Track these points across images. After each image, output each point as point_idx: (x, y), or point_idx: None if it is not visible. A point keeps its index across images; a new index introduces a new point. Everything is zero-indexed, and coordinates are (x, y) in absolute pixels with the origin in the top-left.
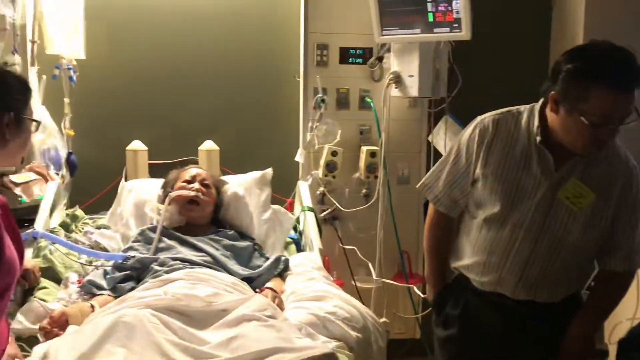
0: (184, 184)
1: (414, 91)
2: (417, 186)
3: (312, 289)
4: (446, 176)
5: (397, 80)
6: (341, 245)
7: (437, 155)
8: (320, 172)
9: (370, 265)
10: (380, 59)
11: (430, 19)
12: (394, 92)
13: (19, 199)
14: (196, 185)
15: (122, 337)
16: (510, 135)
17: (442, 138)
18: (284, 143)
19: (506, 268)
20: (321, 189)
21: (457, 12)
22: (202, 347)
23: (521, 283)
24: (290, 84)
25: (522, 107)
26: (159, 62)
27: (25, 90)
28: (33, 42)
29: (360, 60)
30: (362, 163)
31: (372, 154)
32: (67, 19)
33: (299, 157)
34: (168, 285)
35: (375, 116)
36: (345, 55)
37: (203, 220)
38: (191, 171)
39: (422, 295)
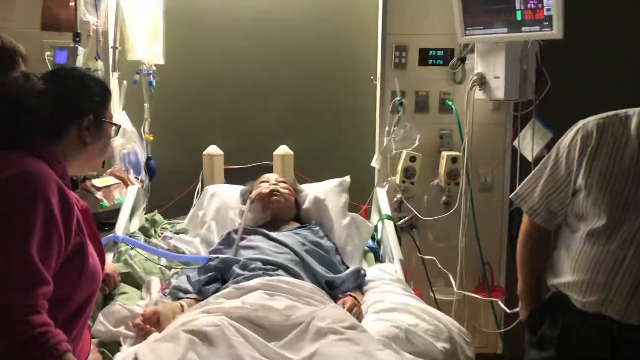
0: (261, 184)
1: (499, 93)
2: (511, 196)
3: (391, 301)
4: (543, 186)
5: (481, 82)
6: (419, 254)
7: (523, 161)
8: (397, 179)
9: (450, 276)
10: (462, 60)
11: (519, 17)
12: (477, 94)
13: (100, 203)
14: (272, 182)
15: (204, 350)
16: (618, 141)
17: (529, 143)
18: (360, 148)
19: (614, 288)
20: (398, 195)
21: (549, 10)
22: None
23: (632, 305)
24: (366, 87)
25: (630, 110)
26: (236, 67)
27: (105, 93)
28: (115, 48)
29: (440, 61)
30: (442, 169)
31: (453, 160)
32: (148, 26)
33: (375, 163)
34: (246, 296)
35: (457, 120)
36: (425, 57)
37: (288, 214)
38: (264, 176)
39: (506, 310)
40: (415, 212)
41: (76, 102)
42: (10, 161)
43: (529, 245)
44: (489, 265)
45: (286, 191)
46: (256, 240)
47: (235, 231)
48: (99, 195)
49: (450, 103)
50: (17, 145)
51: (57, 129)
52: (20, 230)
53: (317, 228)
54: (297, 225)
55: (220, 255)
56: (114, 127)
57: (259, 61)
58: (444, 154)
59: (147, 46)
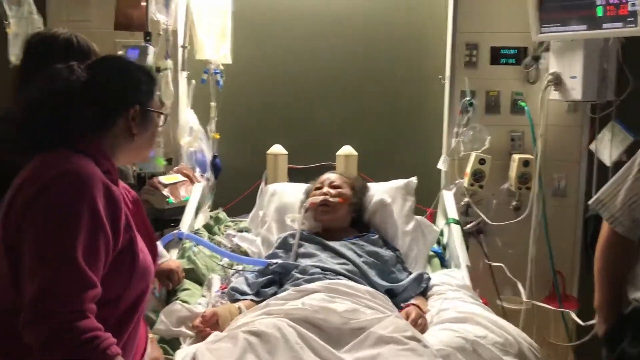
0: (315, 191)
1: (576, 94)
2: (590, 202)
3: (457, 310)
4: (626, 193)
5: (557, 82)
6: (487, 261)
7: (600, 166)
8: (465, 182)
9: (519, 284)
10: (536, 58)
11: (600, 13)
12: (552, 95)
13: (167, 199)
14: (324, 189)
15: (263, 352)
16: None
17: (607, 147)
18: (426, 149)
19: None
20: (466, 199)
21: (633, 5)
22: None
23: None
24: (435, 87)
25: None
26: (301, 66)
27: (151, 82)
28: (184, 47)
29: (513, 60)
30: (512, 172)
31: (525, 163)
32: (216, 25)
33: (442, 165)
34: (307, 297)
35: (529, 121)
36: (497, 56)
37: (341, 223)
38: (321, 178)
39: (578, 322)
40: (484, 217)
41: (122, 93)
42: (54, 161)
43: (608, 256)
44: (560, 274)
45: (337, 199)
46: (313, 248)
47: (292, 236)
48: (165, 192)
49: (522, 104)
50: (64, 141)
51: (103, 121)
52: (64, 233)
53: (376, 236)
54: (355, 233)
55: (279, 261)
56: (161, 117)
57: (325, 60)
58: (515, 156)
59: (216, 46)
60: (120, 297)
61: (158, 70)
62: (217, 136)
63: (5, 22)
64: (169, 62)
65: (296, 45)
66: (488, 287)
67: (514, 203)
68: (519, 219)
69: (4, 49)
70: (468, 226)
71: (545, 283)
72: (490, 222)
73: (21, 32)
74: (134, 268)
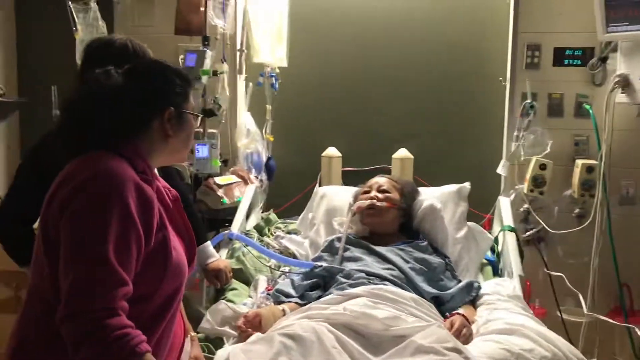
0: (363, 195)
1: None
2: None
3: (505, 321)
4: None
5: (625, 83)
6: (546, 270)
7: None
8: (525, 187)
9: (580, 296)
10: (603, 59)
11: None
12: (619, 97)
13: (221, 200)
14: (372, 193)
15: (297, 356)
16: None
17: None
18: (485, 153)
19: None
20: (525, 206)
21: None
22: None
23: None
24: (494, 89)
25: None
26: (356, 69)
27: (186, 85)
28: (241, 51)
29: (578, 61)
30: (575, 179)
31: (589, 169)
32: (272, 29)
33: (502, 170)
34: (349, 302)
35: (594, 125)
36: (561, 56)
37: (388, 228)
38: (370, 182)
39: None
40: (544, 225)
41: (156, 96)
42: (89, 162)
43: None
44: (627, 287)
45: (383, 204)
46: (359, 252)
47: (339, 239)
48: (220, 192)
49: (587, 107)
50: (100, 144)
51: (139, 123)
52: (96, 232)
53: (425, 243)
54: (403, 239)
55: (325, 264)
56: (196, 118)
57: (381, 62)
58: (579, 162)
59: (272, 49)
60: (152, 295)
61: (215, 73)
62: (272, 138)
63: (74, 28)
64: (225, 66)
65: (351, 47)
66: (548, 297)
67: (576, 211)
68: (582, 227)
69: (74, 54)
70: (527, 234)
71: (610, 296)
72: (550, 230)
73: (87, 38)
74: (166, 266)
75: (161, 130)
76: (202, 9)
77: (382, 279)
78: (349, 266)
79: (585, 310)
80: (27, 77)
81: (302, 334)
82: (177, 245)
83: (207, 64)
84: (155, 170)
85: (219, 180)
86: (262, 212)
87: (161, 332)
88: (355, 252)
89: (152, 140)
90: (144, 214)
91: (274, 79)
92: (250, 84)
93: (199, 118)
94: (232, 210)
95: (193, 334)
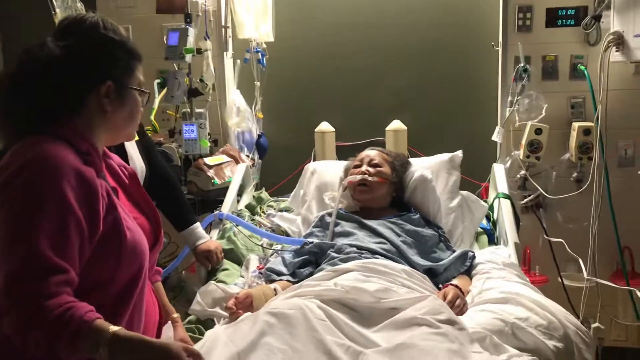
0: (354, 169)
1: None
2: None
3: (500, 290)
4: None
5: (619, 42)
6: (546, 236)
7: None
8: (521, 153)
9: (580, 261)
10: (597, 18)
11: None
12: (615, 56)
13: (212, 181)
14: (363, 167)
15: (283, 333)
16: None
17: None
18: (480, 121)
19: None
20: (522, 172)
21: None
22: (367, 350)
23: None
24: (487, 54)
25: None
26: (346, 41)
27: (128, 58)
28: (225, 27)
29: (571, 21)
30: (573, 142)
31: (586, 132)
32: (257, 3)
33: (497, 136)
34: (340, 277)
35: (590, 86)
36: (553, 17)
37: (380, 203)
38: (360, 155)
39: None
40: (542, 190)
41: (93, 69)
42: (24, 148)
43: None
44: (628, 249)
45: (375, 179)
46: (350, 227)
47: (330, 214)
48: (210, 173)
49: (582, 68)
50: (37, 125)
51: (74, 99)
52: (27, 222)
53: (417, 216)
54: (395, 212)
55: (315, 240)
56: (143, 94)
57: (370, 33)
58: (575, 125)
59: (256, 24)
60: (111, 279)
61: (199, 51)
62: (261, 116)
63: (52, 12)
64: (209, 43)
65: (340, 18)
66: (549, 264)
67: (574, 175)
68: (580, 191)
69: None
70: (525, 200)
71: (611, 259)
72: (549, 196)
73: None
74: (121, 248)
75: (99, 107)
76: None
77: (373, 252)
78: (340, 241)
79: (586, 275)
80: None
81: (287, 312)
82: (132, 226)
83: (190, 41)
84: (107, 149)
85: (209, 160)
86: (255, 192)
87: (128, 317)
88: (346, 226)
89: (90, 118)
90: (86, 199)
91: (260, 54)
92: (238, 60)
93: (147, 95)
94: (224, 190)
95: (176, 315)
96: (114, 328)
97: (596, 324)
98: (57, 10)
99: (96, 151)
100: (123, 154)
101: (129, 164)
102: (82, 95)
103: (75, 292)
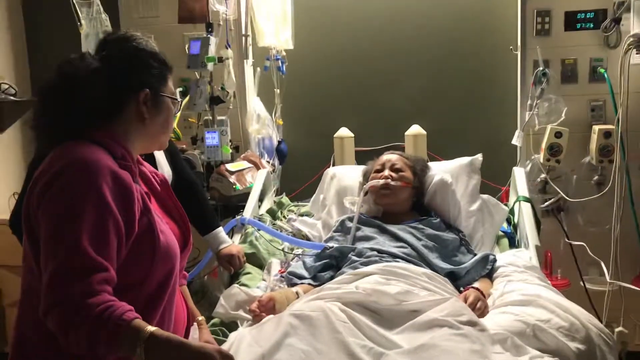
0: (375, 173)
1: None
2: None
3: (521, 292)
4: None
5: (639, 44)
6: (567, 240)
7: None
8: (541, 157)
9: (602, 264)
10: (617, 20)
11: None
12: (635, 58)
13: (234, 186)
14: (385, 172)
15: (306, 335)
16: None
17: None
18: (500, 125)
19: None
20: (543, 175)
21: None
22: (389, 351)
23: None
24: (506, 58)
25: None
26: (364, 47)
27: (162, 67)
28: (245, 36)
29: (591, 24)
30: (593, 145)
31: (607, 134)
32: (276, 11)
33: (517, 140)
34: (361, 280)
35: (610, 89)
36: (572, 21)
37: (402, 207)
38: (381, 159)
39: None
40: (562, 194)
41: (131, 77)
42: (64, 152)
43: None
44: None
45: (397, 183)
46: (371, 231)
47: (350, 219)
48: (232, 179)
49: (602, 71)
50: (76, 131)
51: (113, 106)
52: (70, 221)
53: (437, 220)
54: (416, 217)
55: (335, 245)
56: (175, 102)
57: (388, 39)
58: (596, 128)
59: (276, 31)
60: (144, 281)
61: (220, 60)
62: (281, 122)
63: (78, 23)
64: (230, 52)
65: (359, 25)
66: (570, 267)
67: (595, 178)
68: (601, 194)
69: (80, 49)
70: (546, 204)
71: (634, 263)
72: (569, 199)
73: (91, 32)
74: (154, 250)
75: (137, 114)
76: None
77: (394, 256)
78: (361, 245)
79: (608, 278)
80: (39, 76)
81: (310, 314)
82: (165, 229)
83: (212, 50)
84: (139, 156)
85: (231, 166)
86: (276, 196)
87: (159, 318)
88: (366, 231)
89: (128, 125)
90: (122, 201)
91: (280, 62)
92: (258, 68)
93: (178, 103)
94: (245, 196)
95: (201, 318)
96: (151, 328)
97: (620, 328)
98: (83, 21)
99: (131, 157)
100: (152, 161)
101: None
102: (122, 102)
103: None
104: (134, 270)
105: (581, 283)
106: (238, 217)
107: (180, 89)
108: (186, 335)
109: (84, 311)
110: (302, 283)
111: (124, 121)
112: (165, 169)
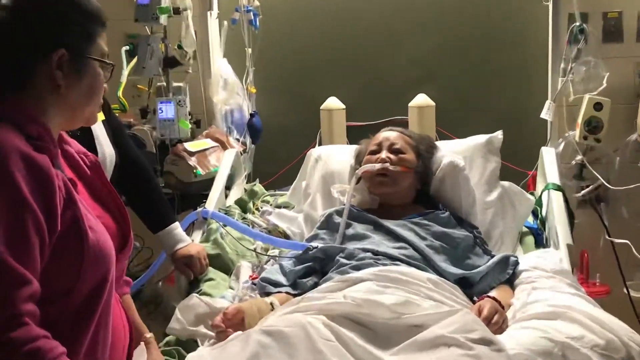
0: (370, 155)
1: None
2: None
3: (548, 303)
4: None
5: None
6: (608, 237)
7: None
8: (577, 134)
9: None
10: None
11: None
12: None
13: (194, 171)
14: (383, 154)
15: (280, 356)
16: None
17: None
18: (525, 94)
19: None
20: (579, 157)
21: None
22: None
23: None
24: (535, 11)
25: None
26: None
27: (89, 22)
28: None
29: None
30: None
31: None
32: None
33: (546, 114)
34: (351, 288)
35: None
36: None
37: (402, 198)
38: (377, 137)
39: None
40: (602, 180)
41: (41, 34)
42: None
43: None
44: None
45: (397, 168)
46: (364, 228)
47: (338, 212)
48: (192, 161)
49: None
50: None
51: (18, 70)
52: None
53: (446, 213)
54: (420, 210)
55: (321, 244)
56: (105, 66)
57: None
58: None
59: None
60: (72, 288)
61: (177, 11)
62: (254, 90)
63: None
64: (188, 1)
65: None
66: (611, 270)
67: None
68: None
69: None
70: (582, 193)
71: None
72: (611, 187)
73: None
74: (82, 251)
75: (50, 81)
76: None
77: (392, 259)
78: (352, 246)
79: None
80: None
81: (285, 330)
82: (95, 224)
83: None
84: (65, 133)
85: (190, 146)
86: (247, 183)
87: (91, 337)
88: (358, 228)
89: (41, 94)
90: (41, 192)
91: (252, 14)
92: (225, 22)
93: (111, 67)
94: (208, 182)
95: (149, 335)
96: None
97: None
98: None
99: (50, 136)
100: (90, 137)
101: (96, 149)
102: (29, 66)
103: None
104: (58, 278)
105: (624, 290)
106: (199, 209)
107: (126, 47)
108: (128, 358)
109: (8, 347)
110: (278, 292)
111: (36, 92)
112: (106, 148)
